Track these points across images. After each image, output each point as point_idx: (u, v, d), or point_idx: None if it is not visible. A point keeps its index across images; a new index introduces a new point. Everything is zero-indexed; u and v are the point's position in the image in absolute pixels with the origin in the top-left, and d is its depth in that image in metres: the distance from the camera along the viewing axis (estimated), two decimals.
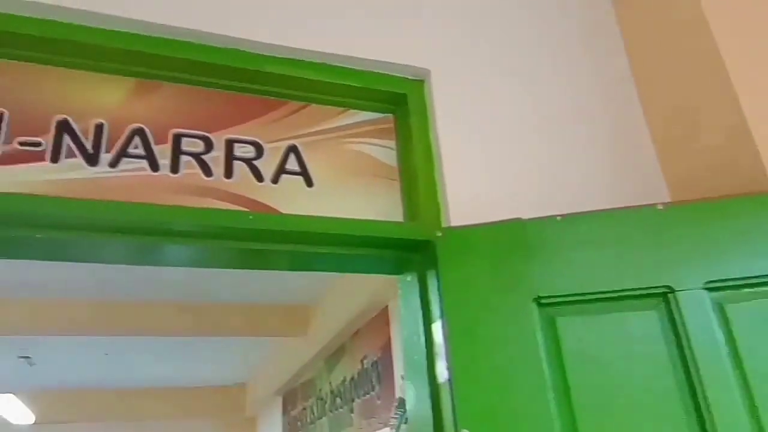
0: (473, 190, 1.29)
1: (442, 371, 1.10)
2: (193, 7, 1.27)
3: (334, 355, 4.40)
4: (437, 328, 1.14)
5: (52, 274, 3.81)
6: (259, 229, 1.18)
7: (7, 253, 1.19)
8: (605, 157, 1.45)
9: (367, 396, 3.70)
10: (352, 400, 3.94)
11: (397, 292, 3.33)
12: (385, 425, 3.23)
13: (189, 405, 7.41)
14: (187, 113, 1.25)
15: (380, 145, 1.40)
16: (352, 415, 3.92)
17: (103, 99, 1.19)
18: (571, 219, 1.12)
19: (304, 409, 5.17)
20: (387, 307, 3.53)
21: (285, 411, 5.91)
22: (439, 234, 1.16)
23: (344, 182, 1.34)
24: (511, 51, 1.50)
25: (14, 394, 5.23)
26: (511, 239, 1.12)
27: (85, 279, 3.96)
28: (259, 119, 1.32)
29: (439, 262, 1.14)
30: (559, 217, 1.13)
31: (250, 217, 1.20)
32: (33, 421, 6.06)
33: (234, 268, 1.41)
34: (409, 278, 1.29)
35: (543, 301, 1.07)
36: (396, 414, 2.72)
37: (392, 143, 1.42)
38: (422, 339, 1.19)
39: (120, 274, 3.84)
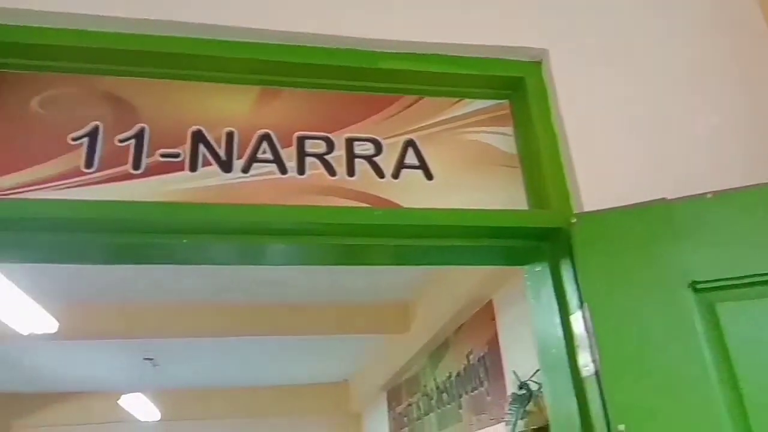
0: (604, 173, 1.22)
1: (586, 364, 1.05)
2: (307, 11, 1.29)
3: (438, 350, 4.39)
4: (577, 319, 1.08)
5: (173, 279, 4.07)
6: (385, 225, 1.18)
7: (153, 259, 1.27)
8: (748, 128, 1.32)
9: (476, 392, 3.65)
10: (460, 396, 3.91)
11: (501, 286, 3.24)
12: (498, 421, 3.17)
13: (297, 402, 7.68)
14: (307, 116, 1.28)
15: (497, 133, 1.36)
16: (461, 411, 3.89)
17: (231, 108, 1.25)
18: (725, 197, 1.03)
19: (410, 405, 5.20)
20: (491, 301, 3.46)
21: (390, 407, 5.97)
22: (574, 220, 1.10)
23: (463, 173, 1.31)
24: (635, 21, 1.40)
25: (141, 393, 5.65)
26: (656, 221, 1.04)
27: (202, 284, 4.20)
28: (376, 116, 1.32)
29: (574, 249, 1.08)
30: (709, 195, 1.04)
31: (377, 213, 1.20)
32: (159, 418, 6.51)
33: (357, 264, 1.43)
34: (538, 268, 1.24)
35: (699, 286, 0.99)
36: (510, 410, 2.66)
37: (510, 130, 1.37)
38: (559, 331, 1.13)
39: (234, 278, 4.04)
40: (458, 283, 3.68)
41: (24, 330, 3.18)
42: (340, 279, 4.32)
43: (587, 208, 1.16)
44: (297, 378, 7.36)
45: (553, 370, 1.16)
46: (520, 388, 2.66)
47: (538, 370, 2.73)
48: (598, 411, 1.00)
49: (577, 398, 1.06)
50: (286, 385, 7.56)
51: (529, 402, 2.57)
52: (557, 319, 1.15)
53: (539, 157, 1.27)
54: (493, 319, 3.39)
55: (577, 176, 1.21)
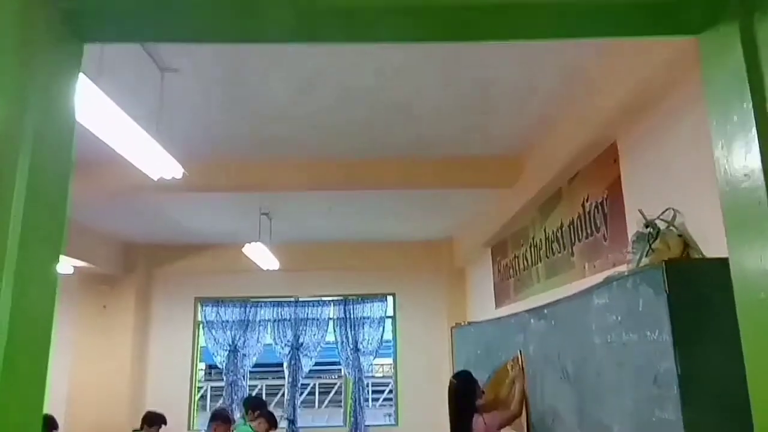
0: None
1: None
2: None
3: (549, 201, 4.27)
4: None
5: (287, 133, 4.17)
6: None
7: None
8: None
9: (590, 239, 3.55)
10: (572, 244, 3.84)
11: (627, 126, 2.97)
12: (615, 265, 3.08)
13: (404, 257, 8.04)
14: None
15: None
16: (573, 258, 3.83)
17: None
18: None
19: (516, 257, 5.23)
20: (615, 143, 3.22)
21: (494, 261, 6.06)
22: None
23: None
24: None
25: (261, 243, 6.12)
26: None
27: (314, 138, 4.28)
28: None
29: None
30: None
31: None
32: (278, 267, 7.09)
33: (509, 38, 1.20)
34: (720, 31, 0.98)
35: None
36: (634, 249, 2.55)
37: None
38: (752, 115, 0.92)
39: (348, 133, 4.08)
40: (578, 128, 3.46)
41: (154, 175, 3.42)
42: (448, 130, 4.22)
43: None
44: (404, 235, 7.64)
45: (742, 214, 0.94)
46: (646, 226, 2.52)
47: (667, 209, 2.56)
48: None
49: None
50: (394, 240, 7.90)
51: (656, 240, 2.44)
52: (748, 99, 0.92)
53: None
54: (616, 161, 3.17)
55: None
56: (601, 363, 2.72)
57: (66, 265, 6.64)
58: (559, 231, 4.08)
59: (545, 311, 3.78)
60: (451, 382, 4.35)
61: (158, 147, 3.17)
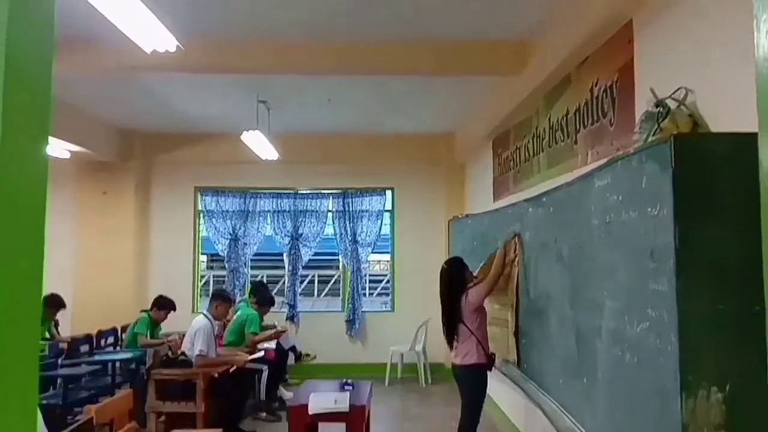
0: None
1: None
2: None
3: (557, 88, 4.15)
4: None
5: (286, 10, 3.95)
6: None
7: None
8: None
9: (596, 125, 3.48)
10: (577, 132, 3.77)
11: (643, 2, 2.80)
12: (618, 150, 3.04)
13: (403, 150, 7.99)
14: None
15: None
16: (576, 146, 3.78)
17: None
18: None
19: (517, 149, 5.18)
20: (630, 21, 3.06)
21: (495, 154, 6.02)
22: None
23: None
24: None
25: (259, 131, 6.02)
26: None
27: (314, 18, 4.07)
28: None
29: None
30: None
31: None
32: (276, 158, 7.04)
33: None
34: None
35: None
36: (642, 128, 2.50)
37: None
38: None
39: (342, 11, 3.86)
40: (592, 5, 3.27)
41: (147, 47, 3.28)
42: (453, 13, 4.00)
43: None
44: (405, 128, 7.53)
45: None
46: (656, 106, 2.45)
47: (679, 89, 2.48)
48: None
49: None
50: (394, 134, 7.80)
51: (665, 119, 2.38)
52: None
53: None
54: (631, 41, 3.03)
55: None
56: (597, 244, 2.75)
57: (61, 149, 6.57)
58: (564, 119, 4.00)
59: (544, 199, 3.79)
60: (443, 267, 4.49)
61: (150, 15, 3.01)
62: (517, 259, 4.27)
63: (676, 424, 1.91)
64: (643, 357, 2.20)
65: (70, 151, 6.80)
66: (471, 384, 4.31)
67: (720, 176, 1.96)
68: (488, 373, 4.36)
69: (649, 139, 2.38)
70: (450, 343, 4.31)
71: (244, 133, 5.87)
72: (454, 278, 4.36)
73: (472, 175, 7.63)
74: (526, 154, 4.90)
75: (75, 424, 2.99)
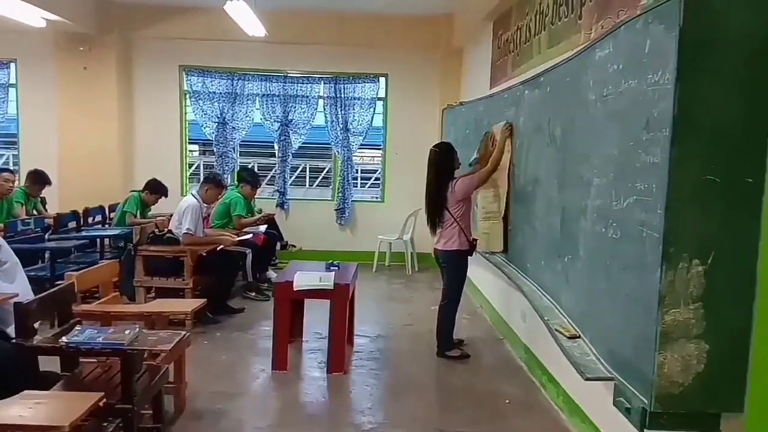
0: None
1: None
2: None
3: None
4: None
5: None
6: None
7: None
8: None
9: None
10: (582, 4, 3.50)
11: None
12: (626, 18, 2.80)
13: (399, 33, 7.57)
14: None
15: None
16: (579, 21, 3.53)
17: None
18: None
19: (518, 29, 4.87)
20: None
21: (495, 36, 5.69)
22: None
23: None
24: None
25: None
26: None
27: None
28: None
29: None
30: None
31: None
32: (264, 35, 6.66)
33: None
34: None
35: None
36: None
37: None
38: None
39: None
40: None
41: None
42: None
43: None
44: (402, 6, 7.08)
45: None
46: None
47: None
48: None
49: None
50: (390, 14, 7.36)
51: None
52: None
53: None
54: None
55: None
56: (591, 120, 2.62)
57: (35, 16, 6.16)
58: None
59: (541, 79, 3.60)
60: (431, 150, 4.38)
61: None
62: (508, 148, 4.16)
63: (653, 296, 1.89)
64: (627, 231, 2.15)
65: (45, 19, 6.38)
66: (452, 269, 4.36)
67: (728, 34, 1.80)
68: (469, 257, 4.40)
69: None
70: (433, 228, 4.30)
71: (228, 2, 5.48)
72: (443, 163, 4.28)
73: (469, 60, 7.29)
74: (527, 34, 4.61)
75: (55, 288, 2.99)
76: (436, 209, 4.25)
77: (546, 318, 2.97)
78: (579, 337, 2.61)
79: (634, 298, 2.08)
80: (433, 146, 4.44)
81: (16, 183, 6.16)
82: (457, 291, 4.38)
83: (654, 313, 1.89)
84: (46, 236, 5.46)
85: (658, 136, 1.91)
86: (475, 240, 4.36)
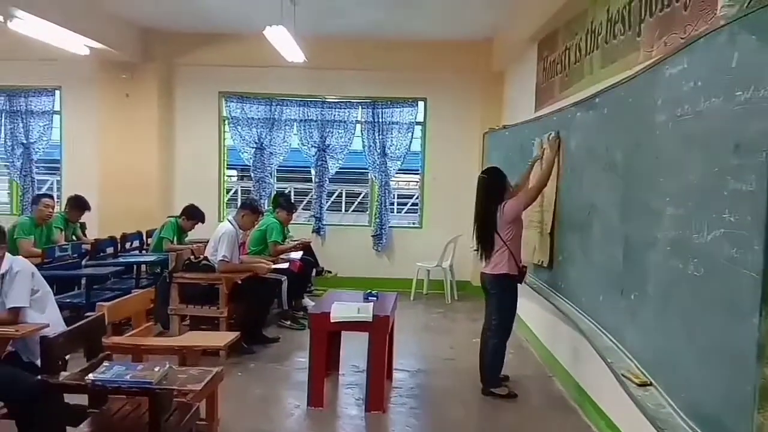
0: None
1: None
2: None
3: None
4: None
5: None
6: None
7: None
8: None
9: (665, 10, 2.98)
10: (641, 21, 3.27)
11: None
12: (703, 32, 2.57)
13: (437, 57, 7.44)
14: None
15: None
16: (638, 38, 3.29)
17: None
18: None
19: (567, 49, 4.66)
20: None
21: (540, 58, 5.48)
22: None
23: None
24: None
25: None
26: None
27: None
28: None
29: None
30: None
31: None
32: (303, 61, 6.62)
33: None
34: None
35: None
36: (730, 1, 2.05)
37: None
38: None
39: None
40: None
41: None
42: None
43: None
44: (441, 32, 7.02)
45: None
46: None
47: None
48: None
49: None
50: (429, 39, 7.26)
51: None
52: None
53: None
54: None
55: None
56: (660, 143, 2.38)
57: (79, 44, 6.26)
58: (627, 8, 3.47)
59: (596, 100, 3.37)
60: (480, 176, 4.22)
61: None
62: (556, 158, 3.95)
63: (750, 345, 1.62)
64: (712, 269, 1.88)
65: (89, 47, 6.48)
66: (499, 295, 4.11)
67: None
68: (518, 286, 4.15)
69: (745, 6, 1.93)
70: (483, 252, 4.08)
71: (267, 28, 5.44)
72: (492, 187, 4.08)
73: (511, 83, 7.09)
74: (577, 54, 4.39)
75: (84, 320, 2.87)
76: (485, 233, 4.05)
77: (610, 360, 2.68)
78: (650, 384, 2.33)
79: (723, 345, 1.81)
80: (482, 172, 4.31)
81: (57, 208, 6.20)
82: (506, 321, 4.12)
83: (751, 365, 1.62)
84: (83, 262, 5.43)
85: (753, 161, 1.66)
86: (525, 267, 4.12)
